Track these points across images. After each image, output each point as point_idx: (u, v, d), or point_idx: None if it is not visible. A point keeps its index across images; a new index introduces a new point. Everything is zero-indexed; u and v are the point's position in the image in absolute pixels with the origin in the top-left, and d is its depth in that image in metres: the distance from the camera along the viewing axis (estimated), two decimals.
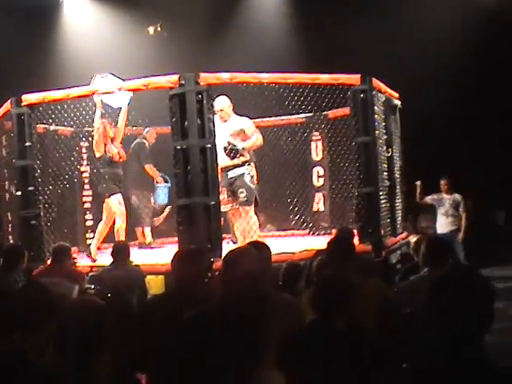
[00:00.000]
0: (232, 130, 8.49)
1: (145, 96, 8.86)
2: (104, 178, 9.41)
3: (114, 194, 9.29)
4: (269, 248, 4.44)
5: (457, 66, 12.17)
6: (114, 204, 9.28)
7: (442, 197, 11.43)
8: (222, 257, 3.85)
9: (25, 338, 3.56)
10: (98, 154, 9.36)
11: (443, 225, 11.39)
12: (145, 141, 10.58)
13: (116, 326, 4.74)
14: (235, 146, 8.39)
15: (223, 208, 8.15)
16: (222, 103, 8.47)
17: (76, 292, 6.24)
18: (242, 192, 8.47)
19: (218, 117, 8.41)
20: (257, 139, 8.65)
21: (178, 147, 7.52)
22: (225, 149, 8.35)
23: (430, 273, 5.08)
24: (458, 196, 11.38)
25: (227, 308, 2.74)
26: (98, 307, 3.17)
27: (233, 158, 8.42)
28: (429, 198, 11.49)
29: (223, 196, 8.24)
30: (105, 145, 9.27)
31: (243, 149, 8.45)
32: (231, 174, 8.49)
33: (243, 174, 8.51)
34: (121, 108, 9.22)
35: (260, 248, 4.13)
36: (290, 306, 4.06)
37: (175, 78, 7.54)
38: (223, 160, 8.33)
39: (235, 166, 8.48)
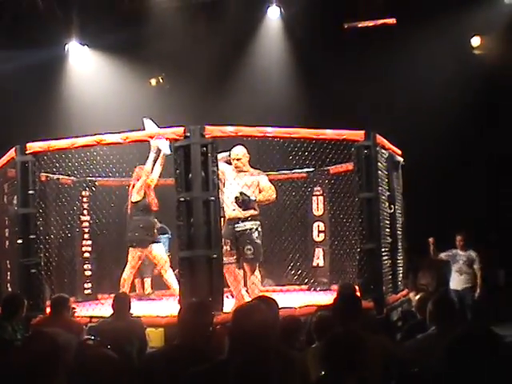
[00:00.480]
0: (247, 180, 8.49)
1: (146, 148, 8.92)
2: (138, 226, 9.41)
3: (152, 242, 9.39)
4: (277, 304, 4.41)
5: (461, 122, 12.24)
6: (160, 253, 9.44)
7: (457, 253, 11.21)
8: (231, 311, 3.80)
9: None
10: (136, 198, 9.30)
11: (456, 282, 11.14)
12: None
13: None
14: (248, 196, 8.35)
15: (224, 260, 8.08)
16: (239, 152, 8.49)
17: (74, 344, 6.17)
18: (249, 249, 8.41)
19: (233, 166, 8.43)
20: (272, 194, 8.62)
21: (182, 199, 7.51)
22: (236, 198, 8.30)
23: (438, 331, 5.00)
24: (472, 253, 11.14)
25: (240, 365, 2.68)
26: (113, 361, 3.11)
27: (244, 209, 8.36)
28: (443, 255, 11.32)
29: (225, 247, 8.18)
30: (145, 191, 9.29)
31: (255, 201, 8.41)
32: (239, 226, 8.44)
33: (252, 229, 8.45)
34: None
35: (268, 303, 4.09)
36: (297, 363, 4.01)
37: (180, 130, 7.57)
38: (233, 211, 8.32)
39: (244, 220, 8.44)
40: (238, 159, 8.49)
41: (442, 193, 12.64)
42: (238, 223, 8.42)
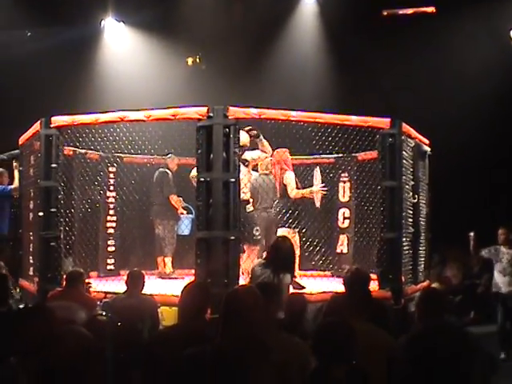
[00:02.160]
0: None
1: (172, 126, 8.89)
2: None
3: None
4: (278, 291, 4.37)
5: (493, 113, 12.05)
6: None
7: (500, 250, 10.12)
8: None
9: (22, 362, 3.50)
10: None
11: (500, 284, 10.13)
12: (167, 170, 10.56)
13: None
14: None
15: None
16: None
17: (82, 318, 6.21)
18: (257, 230, 8.56)
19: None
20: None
21: (202, 179, 7.48)
22: None
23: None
24: None
25: (224, 350, 2.66)
26: (83, 337, 3.10)
27: None
28: (485, 252, 10.31)
29: None
30: None
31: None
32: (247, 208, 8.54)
33: (253, 211, 8.71)
34: None
35: (268, 290, 4.04)
36: (294, 349, 3.96)
37: (204, 110, 7.53)
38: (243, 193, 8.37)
39: (248, 202, 8.58)
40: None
41: (472, 184, 12.45)
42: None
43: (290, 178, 9.36)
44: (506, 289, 10.06)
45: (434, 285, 9.81)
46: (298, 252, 8.98)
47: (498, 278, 10.12)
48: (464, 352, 2.37)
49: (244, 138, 8.55)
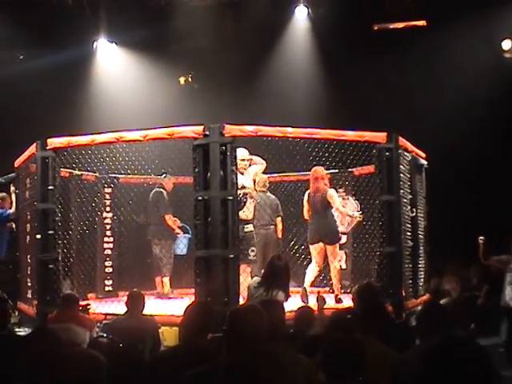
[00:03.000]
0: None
1: (167, 145, 8.89)
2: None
3: None
4: (281, 306, 4.34)
5: (488, 125, 12.06)
6: None
7: (510, 260, 9.42)
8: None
9: None
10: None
11: (509, 297, 9.36)
12: (162, 190, 10.52)
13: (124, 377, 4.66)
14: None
15: None
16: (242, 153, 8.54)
17: (87, 338, 6.18)
18: (252, 250, 8.57)
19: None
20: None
21: (200, 198, 7.47)
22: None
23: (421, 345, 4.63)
24: None
25: (231, 369, 2.63)
26: (94, 359, 3.07)
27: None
28: (494, 259, 9.72)
29: None
30: None
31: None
32: (246, 228, 8.56)
33: (252, 231, 8.65)
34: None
35: (271, 306, 4.02)
36: (302, 366, 3.94)
37: (200, 128, 7.53)
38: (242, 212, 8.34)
39: (247, 222, 8.54)
40: (241, 160, 8.48)
41: (468, 196, 12.43)
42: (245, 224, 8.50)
43: (334, 194, 9.40)
44: None
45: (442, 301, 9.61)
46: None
47: (508, 290, 9.38)
48: (481, 366, 2.34)
49: (244, 152, 8.56)
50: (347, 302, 8.62)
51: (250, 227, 8.70)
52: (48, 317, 7.56)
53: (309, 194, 9.36)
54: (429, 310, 4.94)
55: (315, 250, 9.32)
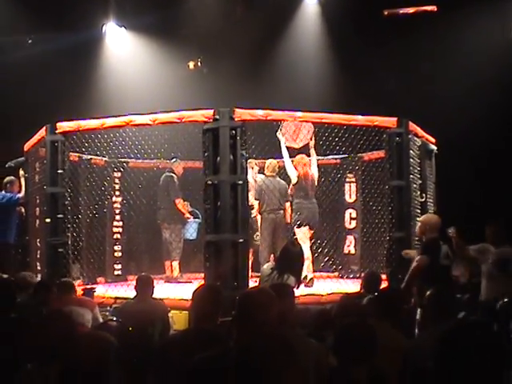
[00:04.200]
0: None
1: (177, 129, 8.88)
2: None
3: None
4: (292, 291, 4.33)
5: (498, 110, 11.99)
6: None
7: (488, 249, 8.20)
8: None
9: (40, 369, 3.47)
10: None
11: (484, 289, 8.16)
12: (173, 174, 10.51)
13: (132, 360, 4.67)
14: None
15: None
16: None
17: (90, 318, 6.19)
18: (257, 235, 8.85)
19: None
20: None
21: (209, 182, 7.46)
22: None
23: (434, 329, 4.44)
24: (509, 250, 8.05)
25: (242, 352, 2.61)
26: (103, 341, 3.07)
27: None
28: (472, 248, 8.36)
29: None
30: None
31: None
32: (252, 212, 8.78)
33: (256, 216, 8.87)
34: None
35: (281, 291, 4.00)
36: (313, 351, 3.94)
37: (210, 112, 7.52)
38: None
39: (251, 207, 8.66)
40: None
41: (477, 181, 12.37)
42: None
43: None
44: (488, 296, 8.00)
45: None
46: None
47: (483, 283, 8.27)
48: (496, 349, 2.33)
49: None
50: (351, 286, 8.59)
51: (253, 212, 8.75)
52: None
53: (298, 176, 9.37)
54: (438, 295, 4.90)
55: (305, 233, 9.31)
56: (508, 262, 7.95)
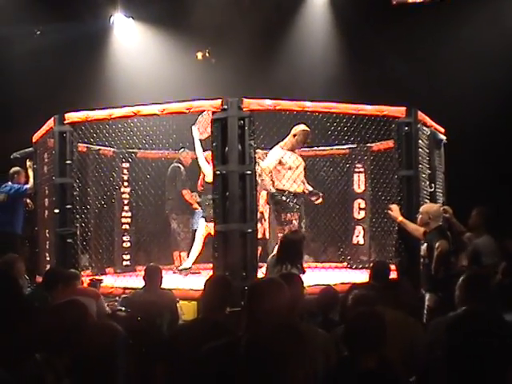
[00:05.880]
0: None
1: (185, 120, 8.86)
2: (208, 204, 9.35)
3: None
4: (300, 280, 4.32)
5: (507, 100, 11.93)
6: None
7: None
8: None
9: (49, 359, 3.46)
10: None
11: None
12: (180, 165, 10.51)
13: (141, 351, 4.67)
14: None
15: None
16: None
17: (95, 307, 6.19)
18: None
19: None
20: None
21: (218, 172, 7.45)
22: None
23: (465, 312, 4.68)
24: (484, 242, 8.09)
25: (251, 342, 2.61)
26: (112, 331, 3.06)
27: None
28: (466, 236, 8.55)
29: None
30: None
31: None
32: None
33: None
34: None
35: (290, 280, 3.99)
36: (321, 340, 3.94)
37: (218, 102, 7.50)
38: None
39: None
40: None
41: (487, 171, 12.31)
42: None
43: None
44: None
45: None
46: None
47: None
48: (504, 339, 2.33)
49: None
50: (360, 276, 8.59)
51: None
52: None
53: None
54: (471, 278, 4.82)
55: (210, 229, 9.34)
56: (480, 255, 8.05)
